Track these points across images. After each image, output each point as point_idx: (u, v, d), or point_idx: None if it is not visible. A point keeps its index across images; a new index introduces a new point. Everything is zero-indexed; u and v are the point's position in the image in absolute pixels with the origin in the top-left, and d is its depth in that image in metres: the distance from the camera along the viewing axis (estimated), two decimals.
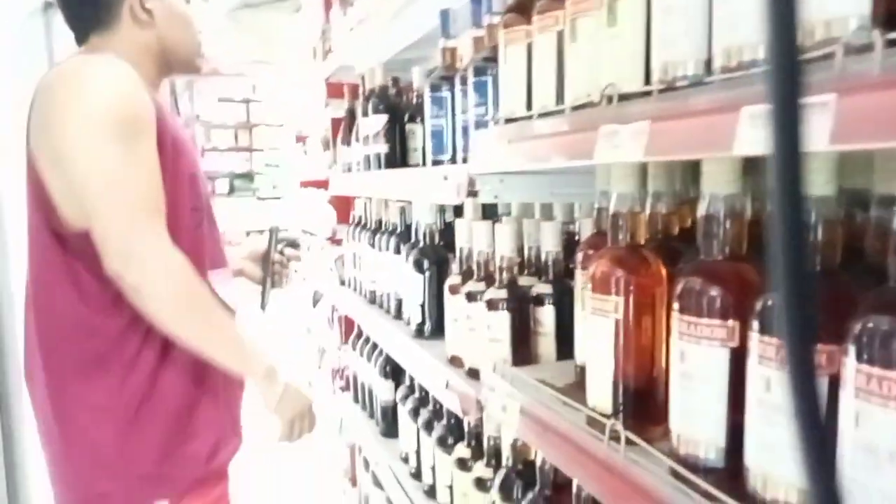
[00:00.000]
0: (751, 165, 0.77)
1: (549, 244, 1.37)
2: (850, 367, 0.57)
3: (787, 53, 0.26)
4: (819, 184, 0.65)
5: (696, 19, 0.75)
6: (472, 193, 1.27)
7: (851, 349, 0.57)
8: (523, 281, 1.40)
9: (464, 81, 1.38)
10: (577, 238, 1.45)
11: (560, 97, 1.05)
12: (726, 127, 0.62)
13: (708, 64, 0.75)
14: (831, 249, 0.68)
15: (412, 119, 2.17)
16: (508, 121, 1.17)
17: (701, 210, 0.78)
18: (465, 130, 1.38)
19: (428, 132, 1.56)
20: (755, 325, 0.69)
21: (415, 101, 2.17)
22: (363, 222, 2.54)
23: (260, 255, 1.85)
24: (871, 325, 0.55)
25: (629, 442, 0.87)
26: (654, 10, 0.82)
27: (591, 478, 0.95)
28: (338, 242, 3.03)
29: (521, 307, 1.33)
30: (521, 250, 1.52)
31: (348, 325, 2.85)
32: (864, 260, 0.69)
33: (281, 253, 1.92)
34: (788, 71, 0.26)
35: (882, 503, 0.55)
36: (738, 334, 0.73)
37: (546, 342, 1.36)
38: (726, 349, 0.74)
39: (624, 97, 0.83)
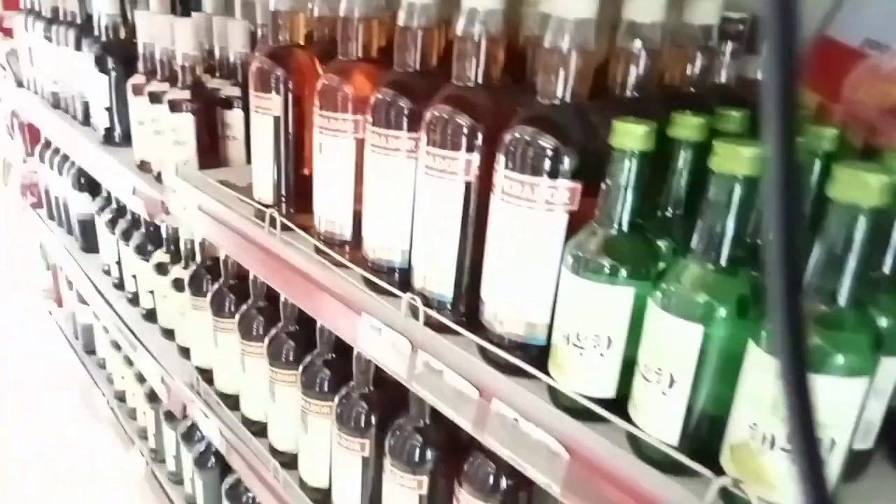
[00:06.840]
0: None
1: (237, 44, 1.33)
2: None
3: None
4: None
5: None
6: None
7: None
8: (213, 83, 1.36)
9: None
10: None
11: None
12: None
13: None
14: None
15: None
16: None
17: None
18: None
19: None
20: (371, 118, 0.79)
21: None
22: (38, 9, 2.13)
23: None
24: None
25: (284, 227, 0.97)
26: None
27: (255, 261, 1.05)
28: (7, 33, 2.52)
29: (206, 109, 1.31)
30: (211, 51, 1.46)
31: (33, 134, 2.49)
32: None
33: None
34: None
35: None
36: (361, 127, 0.83)
37: (236, 146, 1.37)
38: (351, 140, 0.84)
39: None
